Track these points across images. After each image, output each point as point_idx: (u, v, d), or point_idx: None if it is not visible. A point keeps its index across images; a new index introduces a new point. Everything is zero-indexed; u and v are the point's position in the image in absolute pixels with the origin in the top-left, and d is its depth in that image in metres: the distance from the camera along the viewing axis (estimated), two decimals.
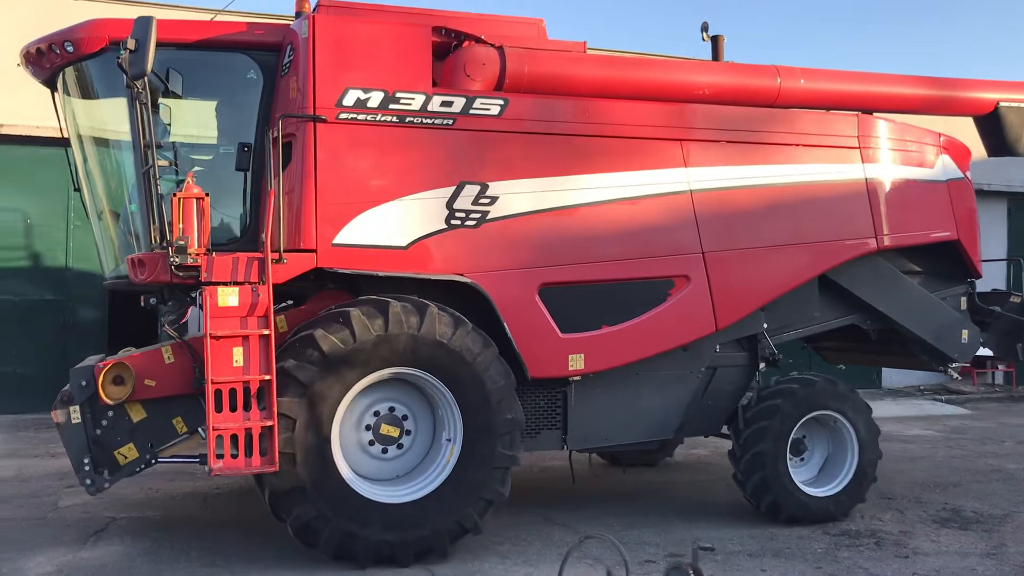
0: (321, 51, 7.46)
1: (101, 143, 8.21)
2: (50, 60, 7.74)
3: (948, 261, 9.92)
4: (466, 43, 8.14)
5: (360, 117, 7.54)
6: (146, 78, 6.97)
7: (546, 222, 8.04)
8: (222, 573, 7.17)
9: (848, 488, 8.80)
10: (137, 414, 7.46)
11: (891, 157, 9.32)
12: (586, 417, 8.49)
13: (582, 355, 8.11)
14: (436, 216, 7.71)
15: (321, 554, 7.20)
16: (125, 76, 6.96)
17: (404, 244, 7.63)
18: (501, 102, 7.94)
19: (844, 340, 10.52)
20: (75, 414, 7.21)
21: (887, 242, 9.25)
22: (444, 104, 7.77)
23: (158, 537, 8.03)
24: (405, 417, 7.60)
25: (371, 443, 7.49)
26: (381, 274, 7.57)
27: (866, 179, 9.15)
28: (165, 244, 7.10)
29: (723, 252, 8.59)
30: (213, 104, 8.23)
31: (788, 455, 8.62)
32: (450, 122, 7.78)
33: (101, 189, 8.24)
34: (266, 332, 6.94)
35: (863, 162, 9.15)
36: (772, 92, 9.08)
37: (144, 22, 6.99)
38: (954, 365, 10.10)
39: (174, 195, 7.02)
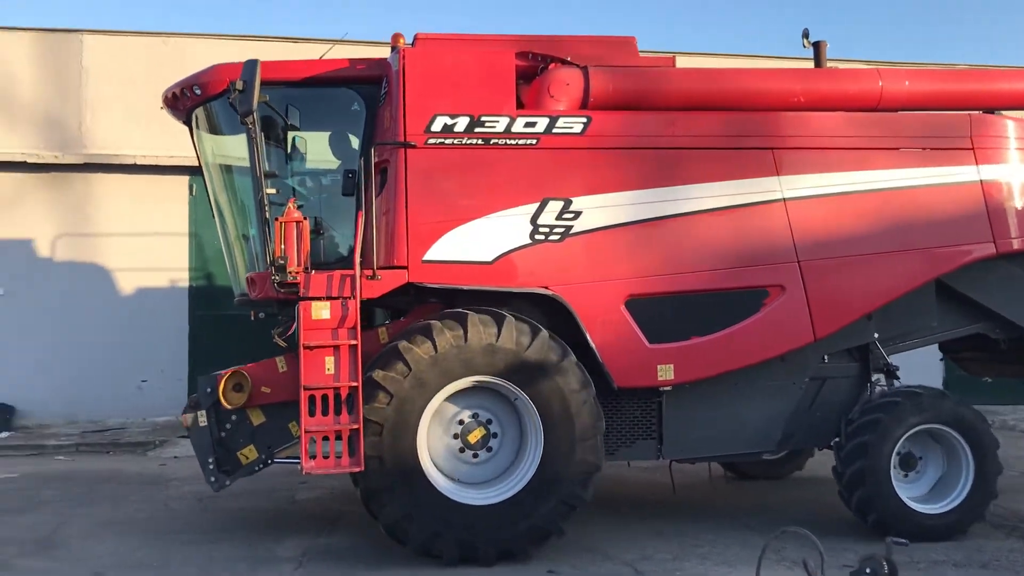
0: (411, 82, 8.33)
1: (227, 174, 9.41)
2: (183, 102, 9.01)
3: None
4: (552, 65, 8.80)
5: (448, 141, 8.34)
6: (254, 114, 8.04)
7: (632, 234, 8.54)
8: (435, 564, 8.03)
9: (963, 506, 8.71)
10: (257, 418, 8.59)
11: (1013, 156, 9.17)
12: (682, 427, 8.90)
13: (671, 365, 8.54)
14: (521, 232, 8.37)
15: (408, 551, 7.98)
16: (236, 113, 8.12)
17: (490, 259, 8.33)
18: (584, 120, 8.51)
19: (985, 351, 10.37)
20: (202, 418, 8.39)
21: (1011, 246, 9.09)
22: (527, 125, 8.43)
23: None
24: (491, 423, 8.27)
25: (460, 448, 8.22)
26: (466, 288, 8.31)
27: (981, 181, 9.06)
28: (269, 264, 8.16)
29: (821, 260, 8.78)
30: (323, 135, 9.22)
31: (895, 470, 8.66)
32: (533, 142, 8.43)
33: (228, 215, 9.43)
34: (354, 343, 7.85)
35: (977, 163, 9.06)
36: (873, 96, 9.16)
37: (250, 65, 8.10)
38: None
39: (276, 220, 8.09)
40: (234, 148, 8.89)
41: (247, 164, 8.53)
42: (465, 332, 7.97)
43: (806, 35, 9.55)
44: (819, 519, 9.32)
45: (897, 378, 9.56)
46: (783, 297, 8.73)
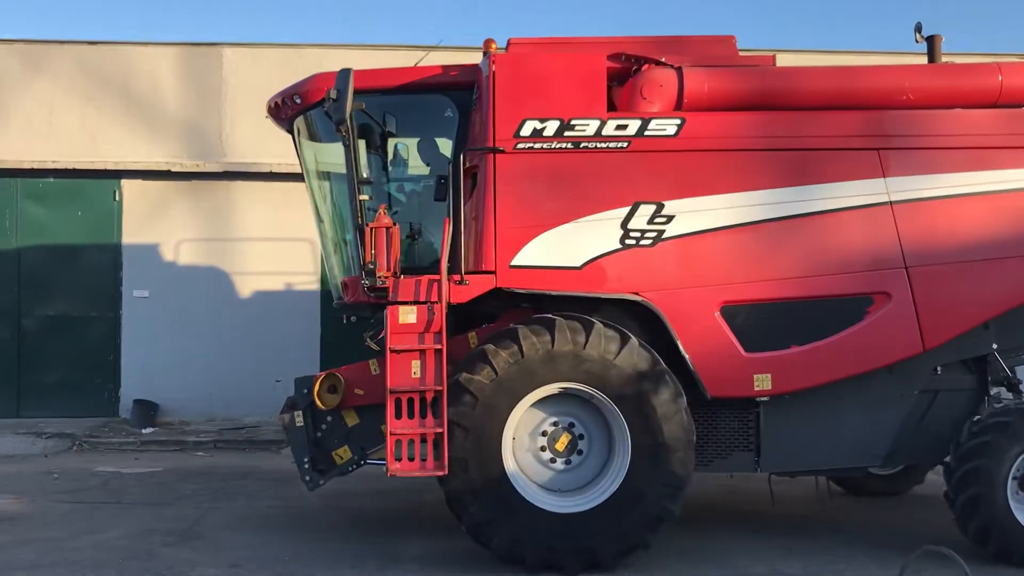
0: (500, 87, 8.34)
1: (326, 180, 9.61)
2: (285, 111, 9.27)
3: None
4: (645, 67, 8.63)
5: (537, 146, 8.31)
6: (348, 121, 8.17)
7: (727, 239, 8.33)
8: None
9: None
10: (351, 420, 8.78)
11: None
12: (781, 439, 8.61)
13: (769, 375, 8.29)
14: (610, 236, 8.25)
15: (493, 555, 7.99)
16: (331, 121, 8.27)
17: (579, 264, 8.25)
18: (678, 122, 8.33)
19: None
20: (299, 418, 8.64)
21: None
22: (619, 127, 8.32)
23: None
24: (574, 427, 8.17)
25: (547, 455, 8.17)
26: (554, 293, 8.26)
27: None
28: (360, 268, 8.28)
29: (931, 267, 8.36)
30: (418, 141, 9.30)
31: (1014, 494, 8.07)
32: (624, 144, 8.31)
33: (327, 221, 9.63)
34: (439, 347, 7.88)
35: None
36: (992, 91, 8.65)
37: (344, 74, 8.24)
38: None
39: (367, 225, 8.20)
40: (332, 155, 9.05)
41: (344, 171, 8.69)
42: (552, 338, 7.92)
43: (919, 29, 9.11)
44: (958, 537, 8.62)
45: (1021, 392, 9.04)
46: (889, 305, 8.33)
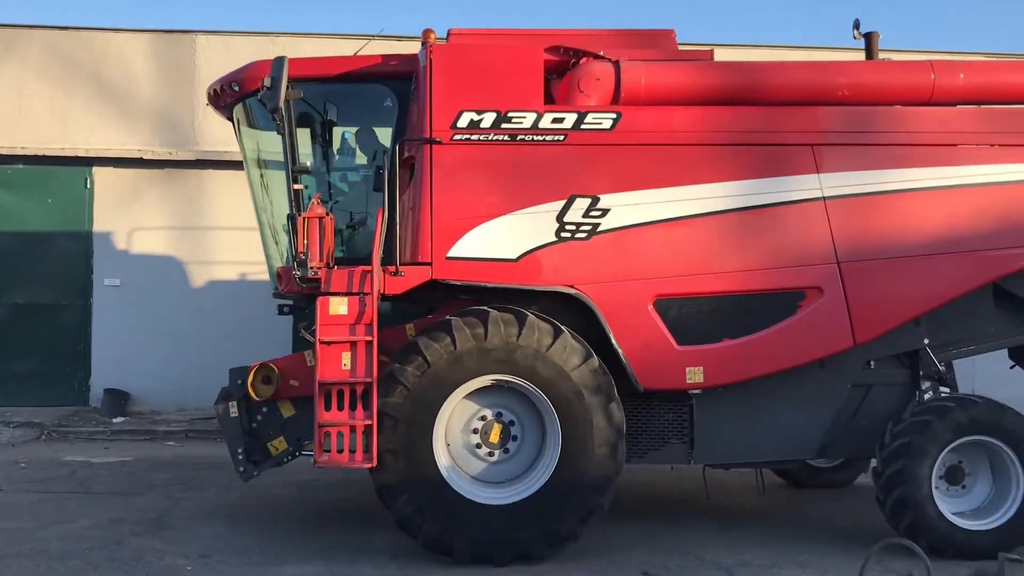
0: (437, 78, 8.10)
1: (264, 169, 9.38)
2: (223, 99, 9.03)
3: None
4: (583, 60, 8.45)
5: (474, 137, 8.09)
6: (282, 110, 7.99)
7: (662, 233, 8.14)
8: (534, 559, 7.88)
9: (1009, 525, 8.02)
10: (287, 411, 8.60)
11: None
12: (714, 432, 8.45)
13: (701, 368, 8.13)
14: (546, 229, 8.08)
15: (419, 547, 7.83)
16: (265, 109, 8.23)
17: (514, 257, 8.06)
18: (614, 116, 8.14)
19: None
20: (233, 409, 8.44)
21: None
22: (555, 121, 8.11)
23: None
24: (512, 422, 8.03)
25: (478, 446, 8.00)
26: (489, 285, 8.07)
27: None
28: (292, 258, 8.26)
29: (862, 262, 8.19)
30: (358, 130, 9.13)
31: (937, 479, 8.06)
32: (561, 138, 8.12)
33: (264, 209, 9.42)
34: (370, 339, 7.67)
35: None
36: (925, 89, 8.50)
37: (278, 62, 8.03)
38: None
39: (300, 215, 8.09)
40: (270, 144, 8.83)
41: (278, 158, 8.55)
42: (486, 330, 7.74)
43: (857, 26, 8.98)
44: None
45: (949, 386, 9.04)
46: (820, 300, 8.17)
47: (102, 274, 16.89)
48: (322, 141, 8.80)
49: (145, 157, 16.96)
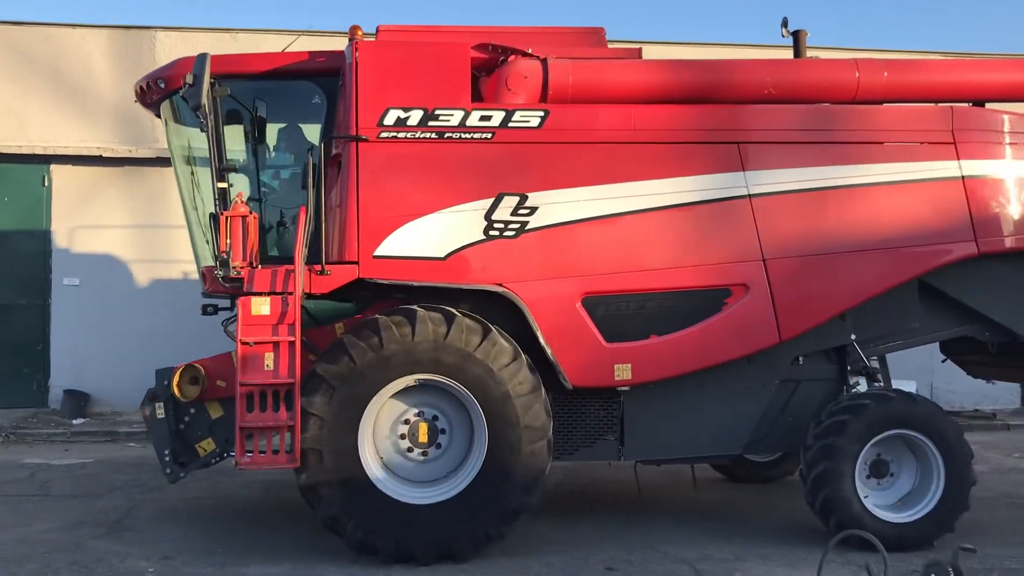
0: (363, 75, 7.71)
1: (191, 167, 8.92)
2: (150, 96, 8.57)
3: None
4: (512, 57, 8.08)
5: (400, 135, 7.71)
6: (205, 107, 7.60)
7: (589, 231, 7.81)
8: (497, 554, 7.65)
9: (931, 516, 7.81)
10: (215, 412, 8.14)
11: (996, 151, 8.11)
12: (644, 428, 8.14)
13: (629, 365, 7.82)
14: (474, 227, 7.73)
15: (345, 546, 7.47)
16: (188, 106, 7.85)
17: (443, 255, 7.71)
18: (541, 114, 7.80)
19: (984, 353, 9.41)
20: (159, 410, 8.00)
21: (995, 246, 8.09)
22: (483, 118, 7.76)
23: None
24: (438, 421, 7.69)
25: (407, 446, 7.65)
26: (416, 284, 7.73)
27: (963, 177, 8.03)
28: (215, 258, 7.90)
29: (787, 259, 7.90)
30: (287, 128, 8.71)
31: (862, 475, 7.83)
32: (489, 136, 7.77)
33: (191, 209, 8.97)
34: (293, 339, 7.28)
35: (959, 158, 8.03)
36: (850, 87, 8.20)
37: (200, 59, 7.62)
38: None
39: (222, 214, 7.70)
40: (199, 141, 8.37)
41: (204, 156, 8.14)
42: (413, 329, 7.39)
43: (785, 24, 8.71)
44: None
45: (878, 380, 8.82)
46: (746, 297, 7.88)
47: (61, 273, 16.21)
48: (251, 139, 8.38)
49: (104, 155, 16.33)
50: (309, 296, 7.78)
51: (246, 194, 8.20)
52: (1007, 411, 15.70)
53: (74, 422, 14.95)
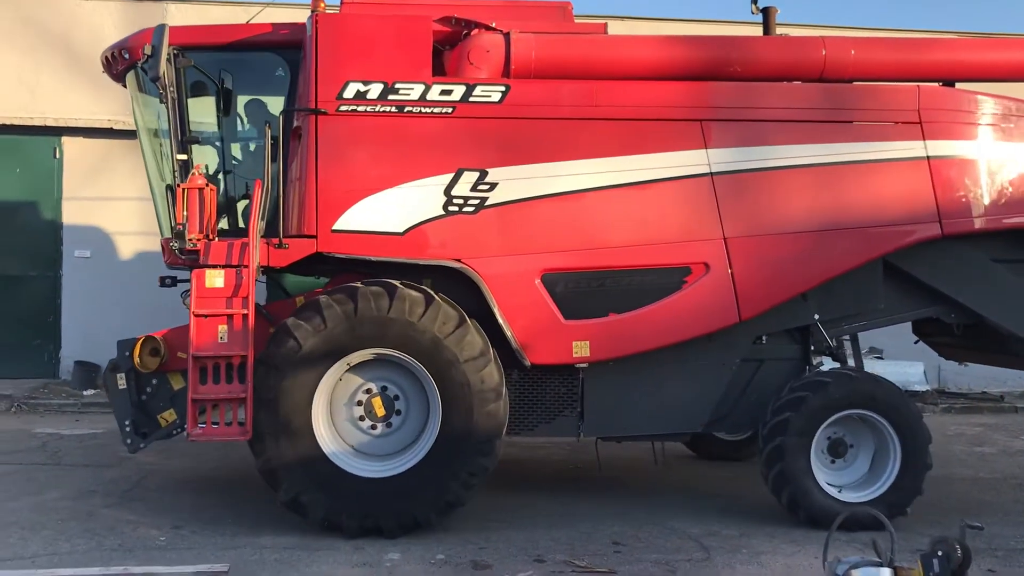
0: (323, 47, 7.15)
1: (155, 138, 8.33)
2: (115, 66, 8.00)
3: None
4: (475, 31, 7.46)
5: (360, 108, 7.15)
6: (164, 78, 7.04)
7: (549, 208, 7.23)
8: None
9: (885, 497, 7.25)
10: (177, 383, 7.57)
11: (964, 132, 7.47)
12: (603, 405, 7.58)
13: (587, 342, 7.26)
14: (433, 203, 7.18)
15: (308, 523, 6.99)
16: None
17: (401, 230, 7.16)
18: (503, 88, 7.20)
19: (957, 335, 8.85)
20: (121, 381, 7.49)
21: (960, 227, 7.48)
22: (443, 93, 7.17)
23: None
24: (394, 395, 7.19)
25: (362, 419, 7.15)
26: (374, 259, 7.20)
27: (928, 157, 7.39)
28: (171, 230, 7.39)
29: (748, 238, 7.31)
30: (252, 100, 8.13)
31: (815, 453, 7.29)
32: (449, 110, 7.18)
33: (155, 181, 8.41)
34: (246, 312, 6.80)
35: (925, 138, 7.39)
36: (816, 65, 7.54)
37: (159, 30, 7.04)
38: None
39: (179, 186, 7.20)
40: (162, 113, 7.78)
41: (173, 128, 7.51)
42: (356, 305, 6.88)
43: (755, 0, 8.19)
44: None
45: (843, 361, 8.27)
46: (706, 276, 7.29)
47: (72, 246, 15.52)
48: (215, 111, 7.83)
49: (115, 127, 15.54)
50: (267, 270, 7.26)
51: (212, 167, 7.71)
52: (1015, 394, 14.87)
53: (84, 393, 14.31)
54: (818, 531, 6.96)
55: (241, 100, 8.01)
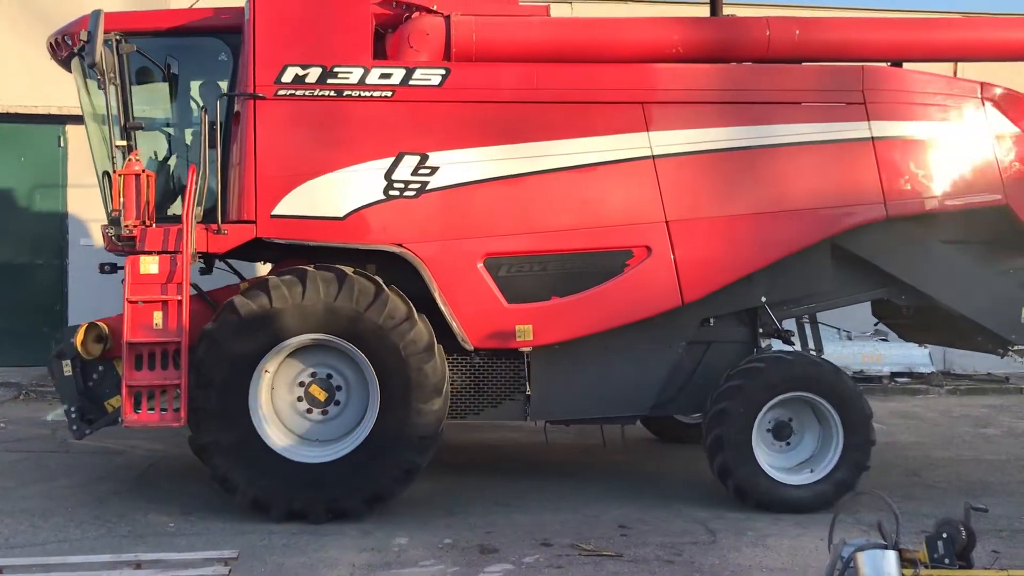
0: (260, 31, 6.54)
1: (99, 124, 7.63)
2: (60, 52, 7.44)
3: (1016, 229, 7.22)
4: (416, 14, 6.85)
5: (299, 93, 6.54)
6: (100, 64, 6.49)
7: (491, 192, 6.64)
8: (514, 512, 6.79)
9: (830, 477, 6.69)
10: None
11: (909, 112, 6.79)
12: (550, 388, 7.00)
13: (530, 326, 6.67)
14: (374, 187, 6.57)
15: (237, 504, 6.49)
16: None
17: (341, 215, 6.56)
18: (442, 72, 6.59)
19: (913, 317, 8.22)
20: (67, 367, 6.92)
21: (905, 208, 6.86)
22: (383, 76, 6.56)
23: (456, 478, 7.74)
24: (332, 378, 6.64)
25: (300, 400, 6.61)
26: (314, 244, 6.63)
27: (872, 138, 6.73)
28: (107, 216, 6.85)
29: (690, 221, 6.69)
30: (193, 85, 7.47)
31: (758, 439, 6.72)
32: (389, 94, 6.56)
33: (100, 166, 7.78)
34: (180, 298, 6.27)
35: (869, 119, 6.72)
36: (760, 46, 6.88)
37: (94, 15, 6.45)
38: (1019, 348, 7.51)
39: (115, 172, 6.70)
40: (102, 98, 7.18)
41: (115, 114, 6.95)
42: (304, 288, 6.32)
43: None
44: (899, 483, 7.57)
45: (792, 343, 7.67)
46: (648, 259, 6.69)
47: (77, 234, 14.61)
48: (159, 96, 7.27)
49: None
50: (204, 256, 6.71)
51: (162, 153, 7.16)
52: (1020, 375, 13.97)
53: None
54: (823, 514, 6.46)
55: (192, 86, 7.37)
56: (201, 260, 7.78)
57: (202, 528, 6.38)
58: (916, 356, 13.12)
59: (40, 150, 14.89)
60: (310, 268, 6.43)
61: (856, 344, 12.72)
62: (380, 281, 6.46)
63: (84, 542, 6.09)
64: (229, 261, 7.85)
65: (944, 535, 4.26)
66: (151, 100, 7.28)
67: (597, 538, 6.21)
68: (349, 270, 6.47)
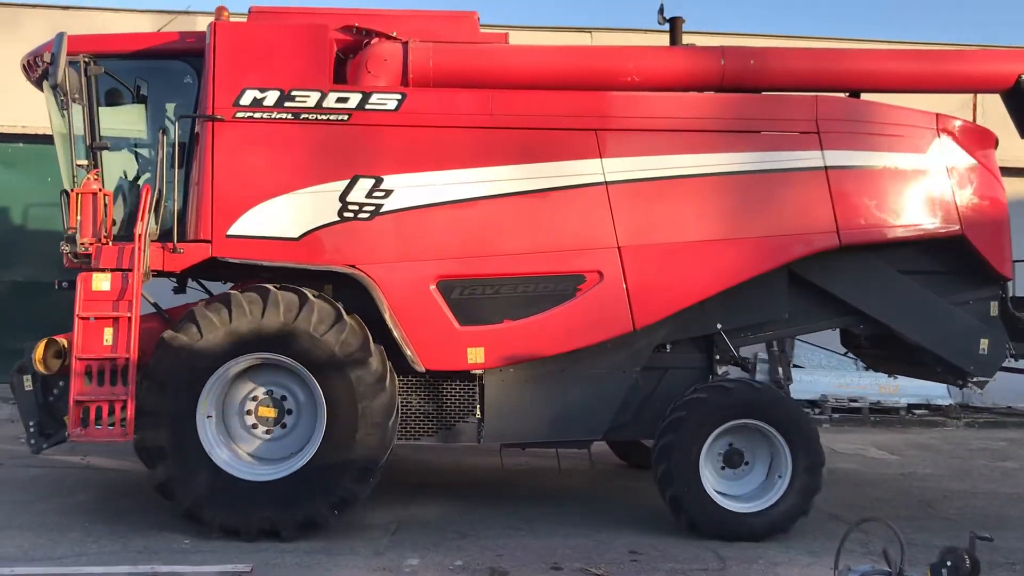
0: (220, 55, 6.19)
1: (68, 143, 7.29)
2: (32, 72, 7.07)
3: (975, 260, 6.78)
4: (375, 40, 6.44)
5: (257, 115, 6.17)
6: (63, 86, 6.16)
7: (444, 215, 6.21)
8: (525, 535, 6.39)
9: (781, 503, 6.18)
10: None
11: (862, 142, 6.32)
12: (503, 412, 6.53)
13: (482, 349, 6.23)
14: (329, 209, 6.17)
15: (173, 512, 6.10)
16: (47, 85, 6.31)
17: (296, 236, 6.15)
18: (398, 97, 6.20)
19: (874, 347, 7.66)
20: (27, 382, 6.47)
21: (855, 237, 6.34)
22: (340, 100, 6.18)
23: (468, 500, 7.35)
24: (290, 411, 6.24)
25: (253, 425, 6.20)
26: (268, 264, 6.18)
27: (826, 167, 6.26)
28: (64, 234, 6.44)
29: (642, 247, 6.23)
30: (160, 106, 6.98)
31: (706, 469, 6.23)
32: (345, 117, 6.17)
33: (67, 184, 7.16)
34: (130, 315, 5.87)
35: (822, 148, 6.27)
36: (715, 75, 6.45)
37: (57, 38, 6.14)
38: (978, 380, 6.92)
39: (72, 190, 6.30)
40: (75, 119, 6.69)
41: (81, 134, 6.60)
42: (264, 307, 5.93)
43: (661, 11, 6.89)
44: (913, 515, 7.13)
45: (748, 371, 7.12)
46: (600, 284, 6.22)
47: None
48: (130, 118, 6.90)
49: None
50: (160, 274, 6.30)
51: (131, 173, 6.77)
52: None
53: None
54: (833, 542, 5.80)
55: (159, 107, 6.98)
56: (174, 280, 7.45)
57: (216, 545, 5.98)
58: (934, 388, 12.33)
59: None
60: (272, 288, 6.09)
61: (873, 375, 11.68)
62: (341, 308, 6.08)
63: (101, 556, 5.77)
64: (201, 281, 7.44)
65: (948, 563, 3.93)
66: (120, 120, 6.86)
67: (607, 563, 5.79)
68: (311, 293, 6.05)
